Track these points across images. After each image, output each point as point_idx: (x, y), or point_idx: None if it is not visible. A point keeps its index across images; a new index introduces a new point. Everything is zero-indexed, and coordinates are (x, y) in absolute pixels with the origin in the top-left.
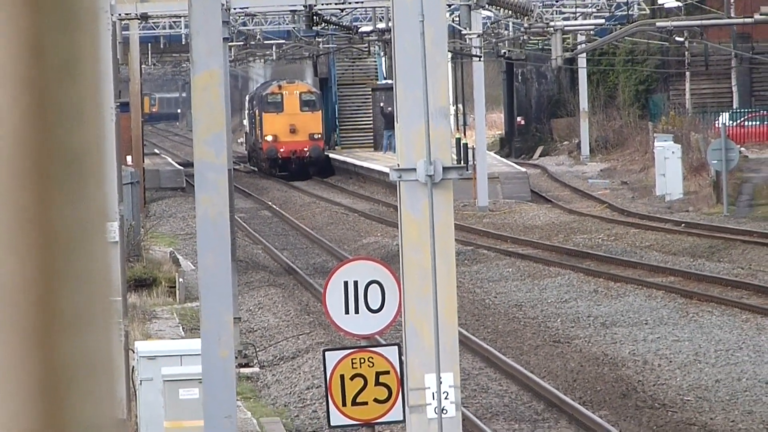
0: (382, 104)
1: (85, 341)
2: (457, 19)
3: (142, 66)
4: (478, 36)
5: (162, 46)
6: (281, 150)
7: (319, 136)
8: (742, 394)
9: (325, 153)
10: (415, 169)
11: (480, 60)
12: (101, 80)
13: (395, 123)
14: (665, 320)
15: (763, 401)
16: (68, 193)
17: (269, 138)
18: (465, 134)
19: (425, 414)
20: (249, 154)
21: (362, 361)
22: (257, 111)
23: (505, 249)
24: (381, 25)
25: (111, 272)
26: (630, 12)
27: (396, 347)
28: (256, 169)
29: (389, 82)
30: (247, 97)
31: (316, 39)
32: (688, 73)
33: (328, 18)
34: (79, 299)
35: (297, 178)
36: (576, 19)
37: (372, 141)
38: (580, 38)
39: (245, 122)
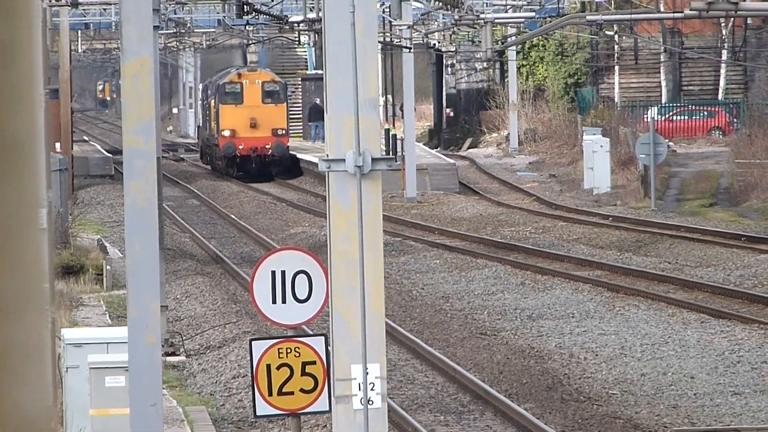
0: (317, 100)
1: (20, 327)
2: (388, 10)
3: (72, 53)
4: (408, 27)
5: (92, 34)
6: (240, 147)
7: (284, 131)
8: (667, 388)
9: (290, 152)
10: (344, 160)
11: (410, 51)
12: (37, 66)
13: (325, 113)
14: (592, 314)
15: (687, 395)
16: (6, 180)
17: (226, 133)
18: (394, 125)
19: (351, 405)
20: (202, 151)
21: (289, 351)
22: (213, 102)
23: (433, 240)
24: (311, 15)
25: (44, 259)
26: (560, 5)
27: (323, 338)
28: (209, 168)
29: (319, 72)
30: (200, 86)
31: (246, 28)
32: (617, 67)
33: (258, 7)
34: (14, 285)
35: (257, 180)
36: (506, 12)
37: (301, 131)
38: (511, 31)
39: (197, 114)
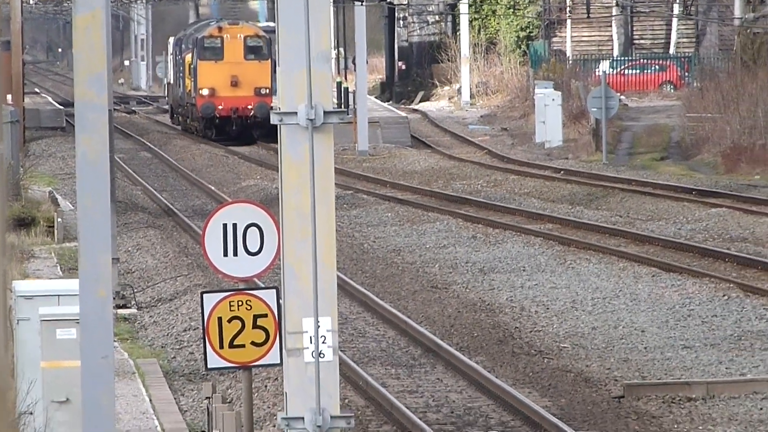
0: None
1: None
2: None
3: (23, 5)
4: None
5: None
6: (219, 107)
7: (267, 91)
8: (618, 342)
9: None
10: (296, 113)
11: (362, 4)
12: None
13: (276, 66)
14: (543, 267)
15: (638, 349)
16: None
17: (205, 92)
18: (346, 78)
19: (302, 358)
20: (172, 111)
21: (240, 303)
22: (190, 57)
23: (385, 194)
24: None
25: None
26: None
27: (274, 290)
28: (179, 128)
29: (271, 24)
30: (171, 40)
31: None
32: (569, 21)
33: None
34: None
35: (238, 142)
36: None
37: None
38: None
39: (167, 70)
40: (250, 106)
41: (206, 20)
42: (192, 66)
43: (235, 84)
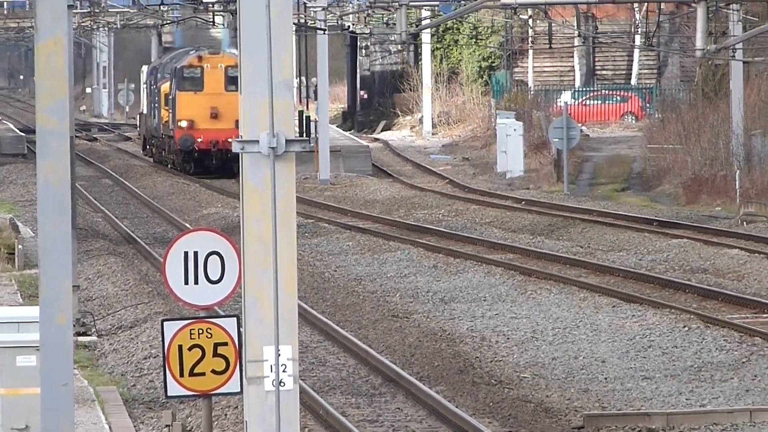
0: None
1: None
2: None
3: None
4: (323, 9)
5: (6, 12)
6: (199, 140)
7: None
8: (578, 372)
9: None
10: (257, 141)
11: (324, 33)
12: None
13: (239, 94)
14: (504, 297)
15: (598, 379)
16: None
17: (183, 124)
18: (308, 107)
19: (263, 386)
20: (146, 142)
21: (201, 331)
22: (167, 87)
23: (346, 223)
24: None
25: None
26: None
27: (235, 319)
28: (151, 160)
29: (234, 52)
30: (145, 69)
31: (161, 8)
32: (531, 51)
33: None
34: None
35: (218, 176)
36: None
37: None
38: (425, 13)
39: (141, 99)
40: (230, 140)
41: (184, 48)
42: (170, 96)
43: (215, 116)
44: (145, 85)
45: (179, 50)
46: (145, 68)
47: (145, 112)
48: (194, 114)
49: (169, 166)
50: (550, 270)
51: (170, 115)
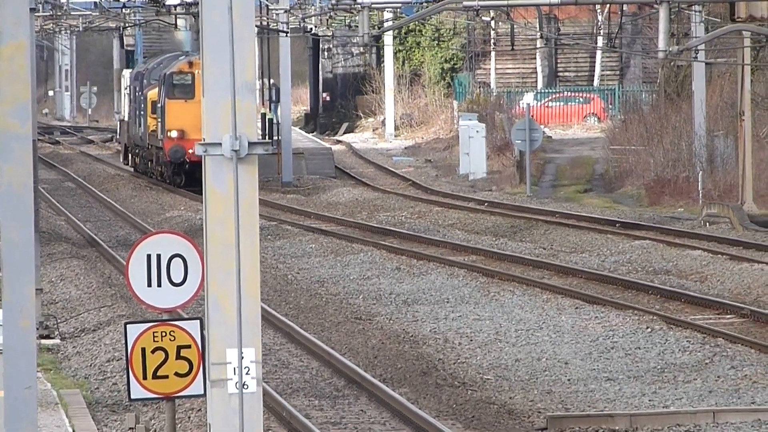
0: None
1: None
2: None
3: None
4: (285, 11)
5: None
6: (190, 151)
7: None
8: (541, 374)
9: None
10: (220, 144)
11: (286, 35)
12: None
13: (202, 97)
14: (467, 299)
15: (561, 381)
16: None
17: (173, 134)
18: (270, 109)
19: (226, 389)
20: (126, 151)
21: (164, 334)
22: (154, 94)
23: (309, 225)
24: None
25: None
26: None
27: (198, 321)
28: (132, 170)
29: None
30: (127, 74)
31: (123, 11)
32: (493, 53)
33: None
34: None
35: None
36: None
37: None
38: (388, 15)
39: (121, 106)
40: None
41: (173, 53)
42: (158, 104)
43: None
44: (127, 91)
45: (167, 55)
46: (126, 73)
47: (126, 119)
48: (185, 123)
49: (156, 178)
50: (513, 272)
51: (158, 124)
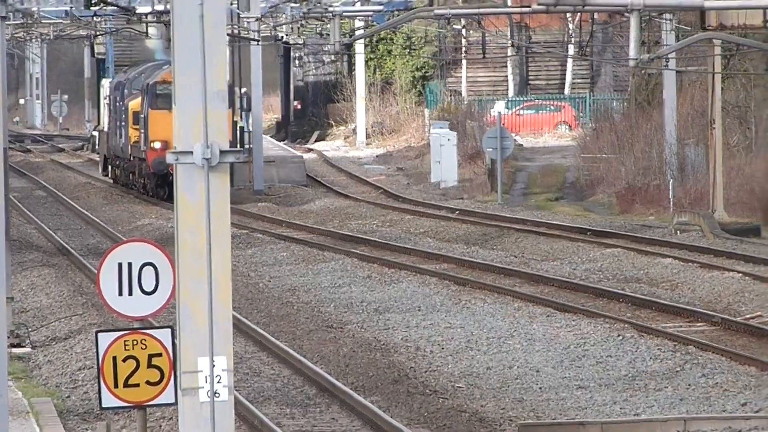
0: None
1: None
2: (236, 2)
3: None
4: (257, 20)
5: None
6: None
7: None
8: (513, 382)
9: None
10: (191, 152)
11: (258, 44)
12: None
13: (173, 105)
14: (438, 307)
15: (533, 389)
16: None
17: (157, 145)
18: (242, 118)
19: (197, 397)
20: (107, 163)
21: (135, 343)
22: (137, 104)
23: (280, 233)
24: (159, 7)
25: None
26: None
27: (169, 330)
28: (111, 181)
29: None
30: (107, 83)
31: (94, 19)
32: (464, 61)
33: None
34: None
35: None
36: (355, 5)
37: None
38: (359, 24)
39: (101, 116)
40: None
41: (156, 62)
42: (141, 115)
43: None
44: (106, 101)
45: (149, 64)
46: (106, 82)
47: (106, 130)
48: (169, 134)
49: (138, 190)
50: (485, 280)
51: (141, 135)
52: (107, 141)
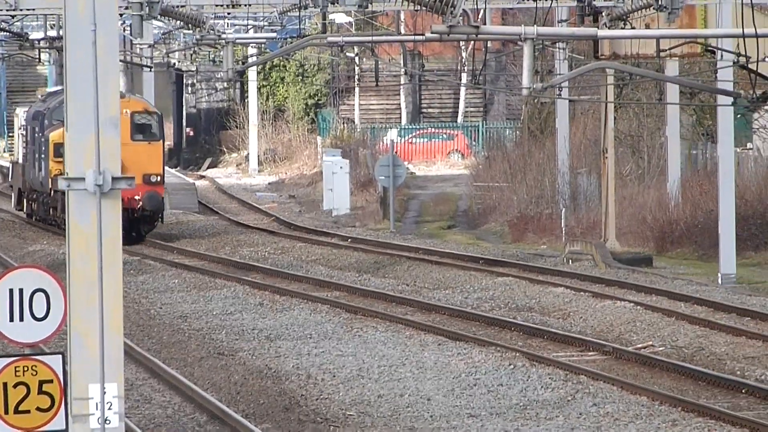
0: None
1: None
2: (129, 28)
3: None
4: (149, 46)
5: None
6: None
7: (159, 178)
8: (404, 410)
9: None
10: (83, 179)
11: (150, 70)
12: None
13: (65, 132)
14: (330, 335)
15: (424, 417)
16: None
17: None
18: None
19: (88, 424)
20: (21, 196)
21: (26, 369)
22: (61, 136)
23: (172, 260)
24: (52, 33)
25: None
26: (301, 26)
27: (60, 356)
28: (26, 216)
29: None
30: (22, 112)
31: None
32: (357, 89)
33: None
34: None
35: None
36: (248, 32)
37: None
38: (252, 51)
39: (16, 147)
40: (137, 197)
41: None
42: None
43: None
44: (21, 131)
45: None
46: (20, 111)
47: (21, 162)
48: None
49: (60, 227)
50: (377, 308)
51: (64, 168)
52: (22, 174)
